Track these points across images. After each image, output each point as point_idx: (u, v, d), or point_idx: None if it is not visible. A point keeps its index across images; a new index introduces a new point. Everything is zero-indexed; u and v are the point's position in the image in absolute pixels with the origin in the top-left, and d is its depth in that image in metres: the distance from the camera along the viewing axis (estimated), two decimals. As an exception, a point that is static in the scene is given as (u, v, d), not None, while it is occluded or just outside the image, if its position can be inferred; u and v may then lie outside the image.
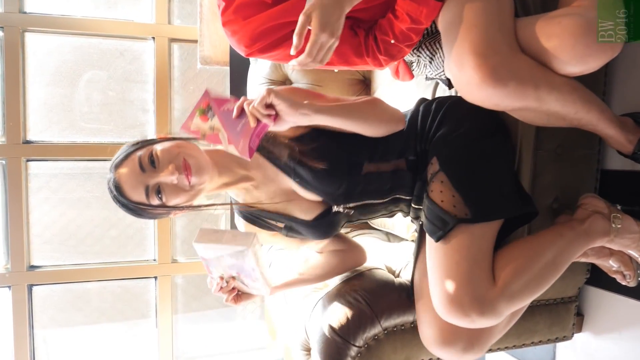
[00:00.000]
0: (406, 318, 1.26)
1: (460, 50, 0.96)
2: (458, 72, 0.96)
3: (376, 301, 1.23)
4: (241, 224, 1.27)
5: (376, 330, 1.22)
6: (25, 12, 2.08)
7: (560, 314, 1.45)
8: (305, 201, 1.19)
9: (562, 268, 1.11)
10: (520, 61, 0.95)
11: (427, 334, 1.12)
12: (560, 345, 1.61)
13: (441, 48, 1.23)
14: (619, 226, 1.15)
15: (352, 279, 1.30)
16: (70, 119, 2.20)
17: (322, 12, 0.94)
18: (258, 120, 0.98)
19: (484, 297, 1.00)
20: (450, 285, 1.02)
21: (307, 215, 1.18)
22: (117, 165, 1.08)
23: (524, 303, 1.09)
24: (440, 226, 1.05)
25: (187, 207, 1.11)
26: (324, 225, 1.20)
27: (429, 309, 1.13)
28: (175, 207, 1.09)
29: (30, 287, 2.14)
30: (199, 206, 1.15)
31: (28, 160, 2.13)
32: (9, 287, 2.10)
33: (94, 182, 2.25)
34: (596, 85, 1.31)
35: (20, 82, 2.06)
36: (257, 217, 1.23)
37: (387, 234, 1.75)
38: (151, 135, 2.23)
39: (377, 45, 1.14)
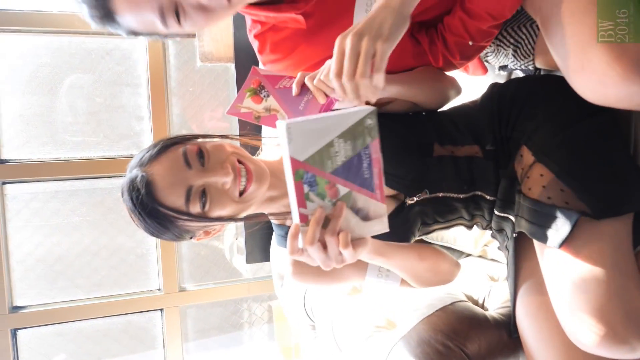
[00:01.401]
0: (509, 364, 1.01)
1: (580, 40, 0.74)
2: (582, 69, 0.74)
3: (471, 346, 0.98)
4: (281, 252, 1.00)
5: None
6: (-9, 10, 1.78)
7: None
8: None
9: None
10: None
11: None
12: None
13: (528, 33, 1.02)
14: None
15: (433, 317, 1.05)
16: (51, 132, 1.91)
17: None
18: (326, 96, 0.83)
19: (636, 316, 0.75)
20: (592, 305, 0.76)
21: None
22: (151, 159, 0.84)
23: None
24: (556, 227, 0.82)
25: (229, 219, 0.88)
26: (399, 225, 0.95)
27: (549, 345, 0.87)
28: (215, 219, 0.85)
29: (14, 332, 1.86)
30: (239, 219, 0.91)
31: (4, 183, 1.84)
32: (-11, 332, 1.80)
33: (84, 202, 1.96)
34: None
35: (-10, 92, 1.76)
36: None
37: (443, 247, 1.51)
38: (147, 143, 1.97)
39: (447, 49, 0.96)
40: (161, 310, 2.02)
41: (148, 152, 0.87)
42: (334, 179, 0.70)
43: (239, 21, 1.77)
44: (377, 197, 0.73)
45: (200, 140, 0.90)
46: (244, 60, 1.87)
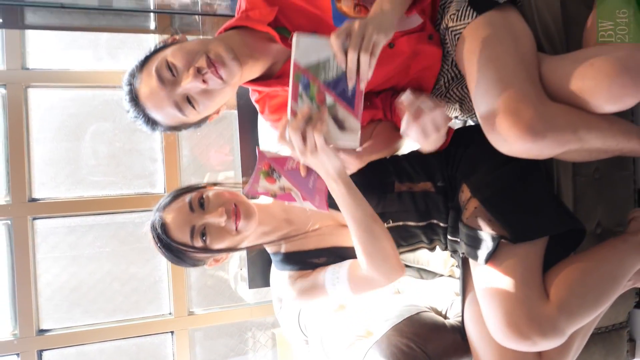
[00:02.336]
0: (463, 362, 1.20)
1: (491, 109, 0.95)
2: (491, 130, 0.95)
3: (430, 347, 1.17)
4: (283, 278, 1.21)
5: (434, 378, 1.16)
6: (27, 69, 2.05)
7: (613, 342, 1.41)
8: (346, 227, 1.16)
9: (620, 281, 1.08)
10: (553, 109, 0.95)
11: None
12: (615, 375, 1.56)
13: (469, 92, 1.24)
14: None
15: (400, 325, 1.24)
16: (76, 173, 2.13)
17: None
18: None
19: (541, 316, 0.97)
20: (503, 309, 0.99)
21: (350, 241, 1.15)
22: (165, 206, 1.11)
23: (585, 319, 1.04)
24: (483, 248, 1.04)
25: (228, 250, 1.11)
26: None
27: (488, 344, 1.08)
28: (217, 251, 1.09)
29: (40, 353, 2.02)
30: (240, 248, 1.16)
31: (34, 219, 2.05)
32: (18, 354, 1.98)
33: (104, 236, 2.17)
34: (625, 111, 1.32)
35: (24, 139, 2.01)
36: (297, 260, 1.18)
37: (419, 270, 1.70)
38: (160, 183, 2.20)
39: (393, 116, 1.22)
40: (172, 332, 2.18)
41: (164, 200, 1.13)
42: (323, 88, 0.86)
43: (240, 74, 2.02)
44: (355, 113, 0.88)
45: (204, 189, 1.14)
46: (246, 106, 2.09)
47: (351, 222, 1.02)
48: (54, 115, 2.11)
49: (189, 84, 0.99)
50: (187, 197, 1.10)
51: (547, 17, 1.17)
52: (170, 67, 0.99)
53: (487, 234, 1.04)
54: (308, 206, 1.04)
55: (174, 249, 1.08)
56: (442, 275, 1.62)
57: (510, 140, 0.92)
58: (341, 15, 1.07)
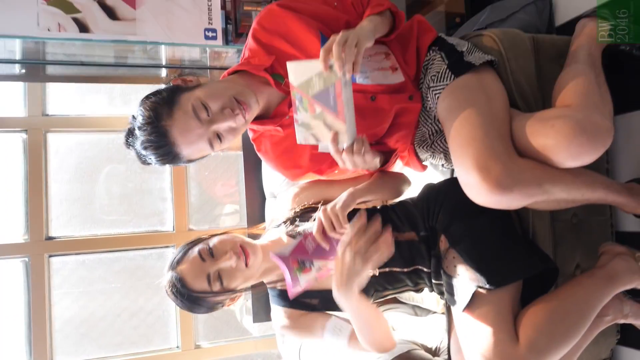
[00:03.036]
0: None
1: (463, 165, 1.05)
2: (465, 184, 1.05)
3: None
4: (278, 312, 1.31)
5: None
6: (47, 115, 2.19)
7: (596, 379, 1.46)
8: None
9: (587, 315, 1.15)
10: (520, 165, 1.04)
11: None
12: (599, 411, 1.61)
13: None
14: None
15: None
16: (90, 212, 2.26)
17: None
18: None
19: (512, 357, 1.05)
20: (479, 353, 1.07)
21: None
22: (178, 262, 1.21)
23: (556, 356, 1.11)
24: (460, 296, 1.14)
25: (243, 290, 1.22)
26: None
27: None
28: (234, 290, 1.20)
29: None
30: (251, 288, 1.27)
31: (50, 256, 2.16)
32: (32, 388, 2.07)
33: (115, 272, 2.28)
34: (600, 160, 1.41)
35: (42, 180, 2.14)
36: (295, 302, 1.27)
37: (414, 307, 1.79)
38: (170, 221, 2.31)
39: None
40: (180, 365, 2.27)
41: (175, 256, 1.23)
42: (312, 101, 1.07)
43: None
44: (339, 117, 1.07)
45: (209, 239, 1.24)
46: (250, 149, 2.21)
47: (355, 319, 1.15)
48: (71, 158, 2.25)
49: (224, 123, 1.11)
50: (196, 250, 1.20)
51: (521, 78, 1.28)
52: (206, 107, 1.11)
53: (464, 283, 1.13)
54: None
55: (195, 298, 1.18)
56: (435, 312, 1.70)
57: (481, 194, 1.02)
58: None
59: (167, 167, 2.32)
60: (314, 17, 1.22)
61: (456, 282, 1.15)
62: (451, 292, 1.16)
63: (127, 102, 2.33)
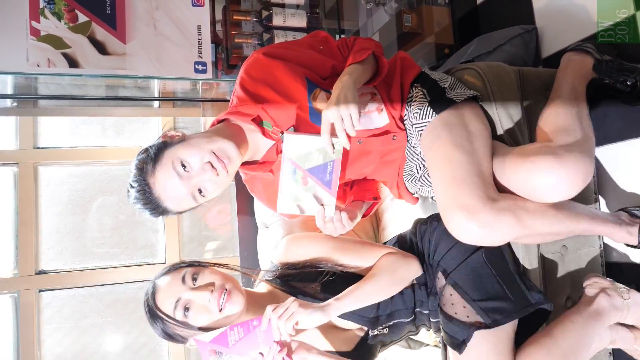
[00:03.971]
0: None
1: (446, 205, 1.07)
2: (449, 222, 1.06)
3: None
4: None
5: None
6: (39, 147, 2.19)
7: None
8: (343, 332, 1.24)
9: (583, 352, 1.15)
10: (501, 202, 1.04)
11: None
12: None
13: None
14: (628, 299, 1.21)
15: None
16: (82, 244, 2.25)
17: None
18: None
19: None
20: None
21: (347, 345, 1.23)
22: (161, 275, 1.18)
23: None
24: (459, 338, 1.12)
25: (205, 330, 1.10)
26: (365, 352, 1.24)
27: None
28: (195, 328, 1.10)
29: None
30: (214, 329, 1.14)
31: (41, 291, 2.14)
32: None
33: (107, 305, 2.25)
34: (588, 191, 1.41)
35: (33, 214, 2.13)
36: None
37: (408, 340, 1.76)
38: (162, 253, 2.30)
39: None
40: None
41: (164, 269, 1.20)
42: (307, 174, 1.14)
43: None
44: (331, 192, 1.16)
45: (204, 267, 1.18)
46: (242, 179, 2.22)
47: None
48: (62, 190, 2.25)
49: (203, 177, 1.12)
50: (184, 271, 1.15)
51: (505, 112, 1.29)
52: (184, 164, 1.12)
53: (462, 324, 1.12)
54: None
55: (155, 316, 1.12)
56: (428, 345, 1.68)
57: (465, 232, 1.03)
58: (316, 112, 1.21)
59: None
60: (300, 63, 1.24)
61: (454, 323, 1.13)
62: (450, 333, 1.15)
63: (119, 132, 2.33)
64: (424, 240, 1.27)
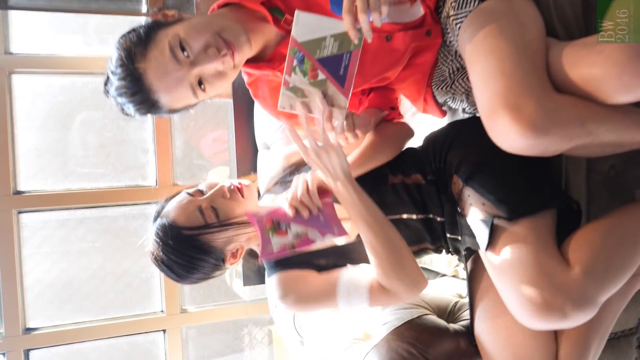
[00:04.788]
0: (468, 369, 1.13)
1: (490, 104, 0.87)
2: (493, 127, 0.87)
3: (432, 352, 1.10)
4: (275, 281, 1.12)
5: (437, 386, 1.09)
6: (11, 53, 1.96)
7: (622, 349, 1.35)
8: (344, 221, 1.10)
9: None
10: (558, 102, 0.87)
11: None
12: (625, 383, 1.50)
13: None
14: None
15: (401, 328, 1.17)
16: (63, 164, 2.06)
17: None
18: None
19: (566, 283, 0.89)
20: (523, 286, 0.90)
21: (349, 236, 1.07)
22: (162, 209, 1.09)
23: (613, 286, 0.95)
24: (482, 233, 0.99)
25: (242, 222, 1.05)
26: None
27: (510, 344, 1.01)
28: (234, 224, 1.04)
29: (27, 352, 1.96)
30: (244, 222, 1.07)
31: (20, 212, 1.97)
32: (4, 353, 1.92)
33: (95, 231, 2.10)
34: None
35: (8, 128, 1.92)
36: (296, 261, 1.09)
37: (422, 269, 1.64)
38: (152, 175, 2.12)
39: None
40: (164, 331, 2.12)
41: (158, 207, 1.11)
42: (317, 65, 0.92)
43: (235, 62, 1.94)
44: (344, 91, 0.95)
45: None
46: (241, 96, 2.02)
47: (363, 227, 0.98)
48: (40, 104, 2.03)
49: (208, 66, 0.93)
50: (183, 193, 1.10)
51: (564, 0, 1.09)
52: (183, 47, 0.92)
53: (481, 219, 0.99)
54: (330, 241, 0.98)
55: (186, 240, 1.02)
56: (444, 275, 1.55)
57: (511, 138, 0.84)
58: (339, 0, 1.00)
59: (149, 117, 2.11)
60: None
61: (474, 221, 1.00)
62: (472, 234, 1.02)
63: (103, 40, 2.09)
64: (437, 145, 1.14)
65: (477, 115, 1.27)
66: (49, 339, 1.98)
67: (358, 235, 1.04)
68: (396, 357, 1.09)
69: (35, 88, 2.02)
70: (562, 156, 1.13)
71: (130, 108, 0.99)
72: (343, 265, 1.08)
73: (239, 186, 1.07)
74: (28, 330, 1.97)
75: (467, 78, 1.17)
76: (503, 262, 0.95)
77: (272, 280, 1.09)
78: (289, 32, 0.97)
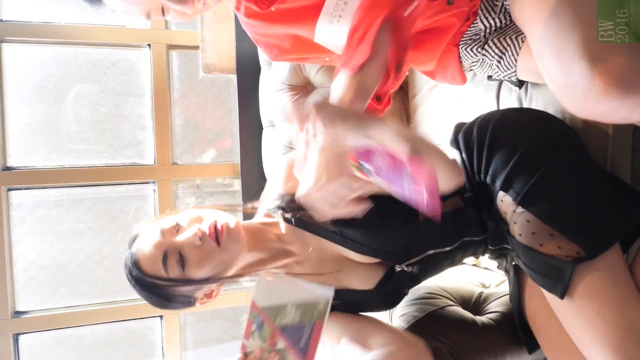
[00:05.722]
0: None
1: (565, 55, 0.73)
2: (566, 84, 0.73)
3: (461, 350, 1.00)
4: None
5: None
6: (0, 20, 1.82)
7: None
8: (361, 267, 0.98)
9: None
10: None
11: None
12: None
13: (512, 45, 1.03)
14: None
15: (422, 319, 1.07)
16: (56, 140, 1.93)
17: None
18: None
19: None
20: (609, 346, 0.78)
21: (367, 283, 0.98)
22: (135, 238, 0.98)
23: None
24: (556, 277, 0.83)
25: (213, 279, 0.93)
26: (389, 291, 0.99)
27: None
28: (200, 281, 0.92)
29: (16, 337, 1.86)
30: (229, 277, 0.96)
31: (9, 190, 1.86)
32: (-8, 337, 1.82)
33: (87, 210, 1.98)
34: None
35: (-3, 100, 1.80)
36: None
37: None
38: (150, 153, 2.01)
39: None
40: (161, 317, 2.02)
41: (135, 231, 1.01)
42: (276, 332, 0.86)
43: (241, 34, 1.82)
44: None
45: (182, 211, 1.00)
46: (246, 72, 1.90)
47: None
48: (31, 75, 1.90)
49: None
50: (159, 223, 0.95)
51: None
52: None
53: (555, 259, 0.83)
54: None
55: (149, 286, 0.92)
56: (464, 263, 1.45)
57: (594, 96, 0.70)
58: None
59: (147, 92, 2.00)
60: None
61: (543, 258, 0.84)
62: (538, 270, 0.86)
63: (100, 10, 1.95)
64: (472, 152, 0.95)
65: (512, 84, 1.14)
66: (40, 323, 1.88)
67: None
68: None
69: (26, 58, 1.90)
70: (607, 135, 1.01)
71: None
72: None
73: (219, 229, 0.92)
74: (17, 313, 1.87)
75: (504, 37, 1.04)
76: (580, 315, 0.82)
77: None
78: None
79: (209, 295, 0.99)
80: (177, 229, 0.93)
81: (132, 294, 0.97)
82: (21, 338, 1.88)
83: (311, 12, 0.97)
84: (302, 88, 1.69)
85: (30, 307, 1.91)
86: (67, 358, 1.97)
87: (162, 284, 0.91)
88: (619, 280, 0.81)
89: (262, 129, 1.87)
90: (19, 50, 1.88)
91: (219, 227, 0.92)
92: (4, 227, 1.83)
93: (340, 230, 0.94)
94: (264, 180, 1.77)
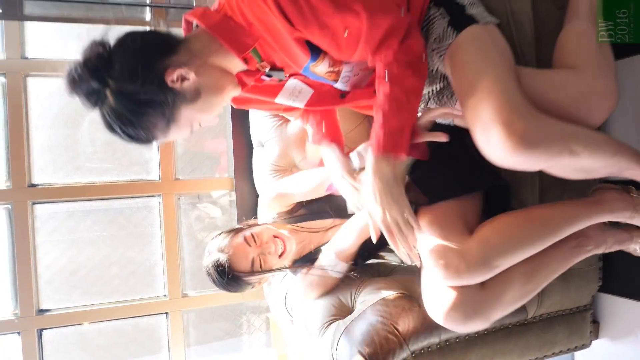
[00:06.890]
0: (432, 340, 1.29)
1: (483, 120, 0.95)
2: (485, 142, 0.96)
3: (403, 325, 1.26)
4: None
5: (404, 354, 1.25)
6: (26, 58, 2.11)
7: (577, 323, 1.49)
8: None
9: (555, 229, 1.12)
10: (545, 120, 0.96)
11: (430, 305, 1.16)
12: (578, 354, 1.65)
13: (449, 102, 1.25)
14: (636, 195, 1.16)
15: (377, 305, 1.33)
16: (74, 159, 2.20)
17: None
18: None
19: (461, 250, 1.07)
20: (433, 250, 1.11)
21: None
22: (224, 246, 1.45)
23: (507, 255, 1.09)
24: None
25: (277, 269, 1.50)
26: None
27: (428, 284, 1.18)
28: (270, 271, 1.49)
29: (40, 332, 2.11)
30: (281, 268, 1.53)
31: (34, 204, 2.13)
32: (19, 332, 2.07)
33: (102, 221, 2.25)
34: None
35: (23, 126, 2.08)
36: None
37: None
38: (155, 170, 2.28)
39: None
40: (166, 313, 2.27)
41: (220, 242, 1.48)
42: None
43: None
44: None
45: (249, 228, 1.52)
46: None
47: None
48: (52, 103, 2.17)
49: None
50: (240, 237, 1.46)
51: (523, 19, 1.23)
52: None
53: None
54: None
55: (236, 278, 1.42)
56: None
57: (503, 152, 0.93)
58: (311, 73, 1.14)
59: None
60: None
61: None
62: None
63: (110, 46, 2.23)
64: None
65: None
66: (60, 319, 2.13)
67: None
68: (370, 328, 1.26)
69: (47, 89, 2.17)
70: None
71: (117, 132, 1.07)
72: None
73: (283, 242, 1.51)
74: (41, 311, 2.12)
75: (444, 97, 1.26)
76: (424, 235, 1.14)
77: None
78: (259, 73, 1.11)
79: (260, 282, 1.56)
80: (254, 239, 1.48)
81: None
82: (44, 333, 2.13)
83: (272, 90, 1.25)
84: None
85: (52, 306, 2.16)
86: (84, 349, 2.22)
87: (246, 276, 1.45)
88: (448, 217, 1.16)
89: (252, 148, 2.14)
90: (42, 83, 2.15)
91: (283, 240, 1.52)
92: (30, 236, 2.09)
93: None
94: (255, 193, 2.05)
